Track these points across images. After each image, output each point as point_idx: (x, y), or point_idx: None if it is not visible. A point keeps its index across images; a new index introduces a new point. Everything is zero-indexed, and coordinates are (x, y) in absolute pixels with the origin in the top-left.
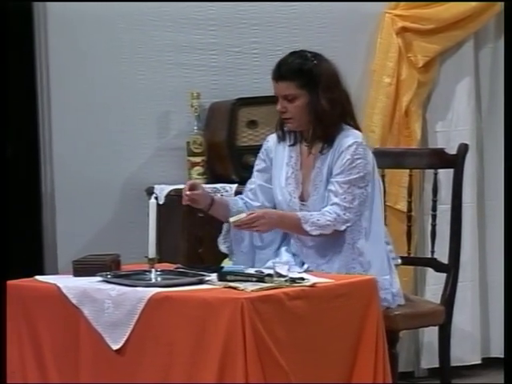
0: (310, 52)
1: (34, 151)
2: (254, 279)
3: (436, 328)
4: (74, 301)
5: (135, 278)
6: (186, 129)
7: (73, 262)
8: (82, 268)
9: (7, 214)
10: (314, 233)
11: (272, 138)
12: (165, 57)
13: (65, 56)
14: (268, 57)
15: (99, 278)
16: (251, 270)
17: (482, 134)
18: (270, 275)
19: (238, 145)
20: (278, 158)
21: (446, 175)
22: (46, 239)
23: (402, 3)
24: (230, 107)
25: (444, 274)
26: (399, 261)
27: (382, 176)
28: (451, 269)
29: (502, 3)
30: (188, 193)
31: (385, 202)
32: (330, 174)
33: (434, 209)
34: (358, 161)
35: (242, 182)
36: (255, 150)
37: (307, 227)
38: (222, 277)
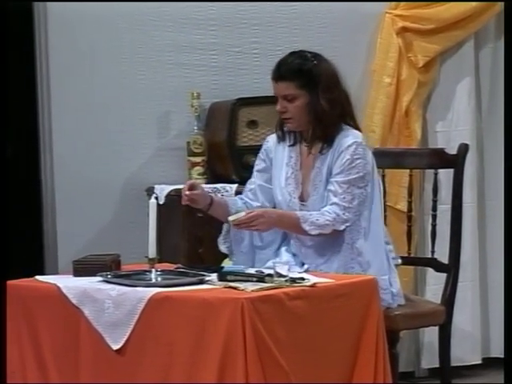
0: (309, 52)
1: (34, 151)
2: (255, 279)
3: (436, 328)
4: (74, 301)
5: (135, 278)
6: (186, 129)
7: (73, 262)
8: (83, 268)
9: (7, 214)
10: (313, 232)
11: (272, 139)
12: (165, 57)
13: (65, 56)
14: (268, 57)
15: (99, 278)
16: (251, 270)
17: (482, 133)
18: (270, 275)
19: (239, 145)
20: (277, 158)
21: (446, 175)
22: (46, 239)
23: (403, 3)
24: (231, 107)
25: (444, 274)
26: (399, 261)
27: (383, 176)
28: (451, 269)
29: (502, 3)
30: (187, 193)
31: (385, 202)
32: (329, 174)
33: (435, 209)
34: (358, 161)
35: (243, 182)
36: (255, 150)
37: (306, 227)
38: (223, 277)
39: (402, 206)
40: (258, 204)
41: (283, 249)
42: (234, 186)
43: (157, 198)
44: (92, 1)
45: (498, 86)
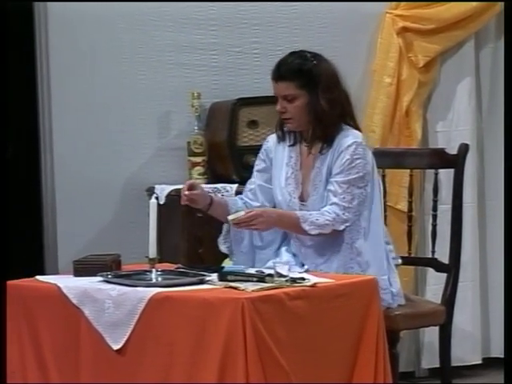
0: (309, 52)
1: (34, 151)
2: (255, 279)
3: (436, 328)
4: (74, 301)
5: (136, 278)
6: (186, 129)
7: (73, 261)
8: (83, 268)
9: (7, 213)
10: (313, 232)
11: (272, 139)
12: (165, 57)
13: (65, 56)
14: (269, 57)
15: (100, 278)
16: (252, 270)
17: (483, 133)
18: (270, 275)
19: (239, 145)
20: (277, 158)
21: (446, 175)
22: (46, 239)
23: (403, 3)
24: (231, 107)
25: (444, 274)
26: (400, 261)
27: (383, 176)
28: (452, 269)
29: (503, 3)
30: (187, 193)
31: (385, 202)
32: (329, 174)
33: (435, 209)
34: (358, 161)
35: (243, 182)
36: (256, 150)
37: (306, 226)
38: (223, 277)
39: (403, 206)
40: (258, 204)
41: (283, 249)
42: (235, 186)
43: (157, 198)
44: (92, 1)
45: (498, 86)
